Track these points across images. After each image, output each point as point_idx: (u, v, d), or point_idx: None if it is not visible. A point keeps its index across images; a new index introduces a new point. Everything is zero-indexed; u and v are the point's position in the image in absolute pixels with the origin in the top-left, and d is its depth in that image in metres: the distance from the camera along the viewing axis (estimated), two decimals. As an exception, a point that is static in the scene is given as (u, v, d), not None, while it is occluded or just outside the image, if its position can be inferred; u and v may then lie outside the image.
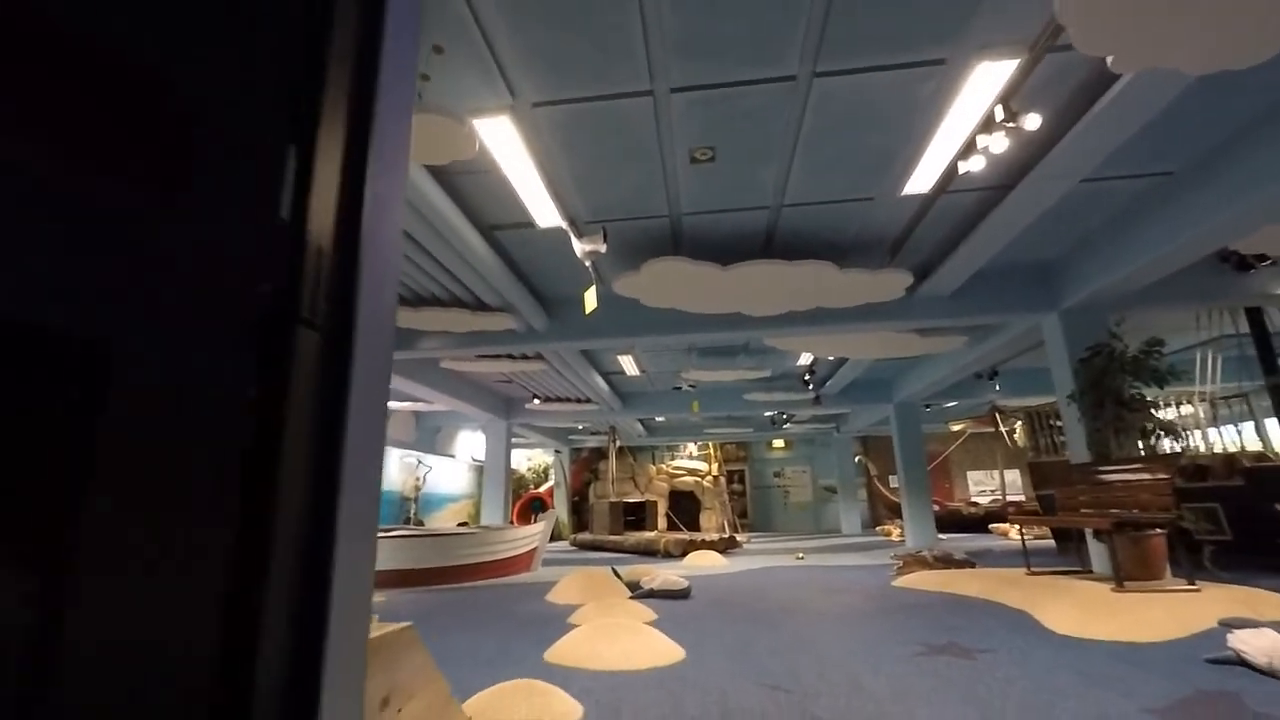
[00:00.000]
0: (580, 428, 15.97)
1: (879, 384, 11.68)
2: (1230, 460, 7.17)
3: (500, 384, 11.04)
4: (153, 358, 0.38)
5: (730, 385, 11.19)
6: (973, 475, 18.97)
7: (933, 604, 5.12)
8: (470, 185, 4.45)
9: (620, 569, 6.85)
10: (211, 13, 0.45)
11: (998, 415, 12.61)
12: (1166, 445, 5.62)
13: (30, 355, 0.35)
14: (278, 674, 0.45)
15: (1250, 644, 2.99)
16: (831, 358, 9.31)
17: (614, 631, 3.68)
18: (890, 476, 15.80)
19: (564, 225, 4.83)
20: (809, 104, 3.57)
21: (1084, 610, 4.11)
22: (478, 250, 4.95)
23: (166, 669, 0.39)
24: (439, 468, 14.40)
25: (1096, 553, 5.60)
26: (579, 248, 4.79)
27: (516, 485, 17.32)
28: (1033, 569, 5.80)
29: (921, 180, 4.36)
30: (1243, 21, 2.53)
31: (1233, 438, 8.96)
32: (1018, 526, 6.80)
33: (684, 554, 10.37)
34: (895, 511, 14.76)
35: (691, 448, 19.20)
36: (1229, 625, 3.36)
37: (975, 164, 3.78)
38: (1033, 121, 3.38)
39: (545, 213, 4.69)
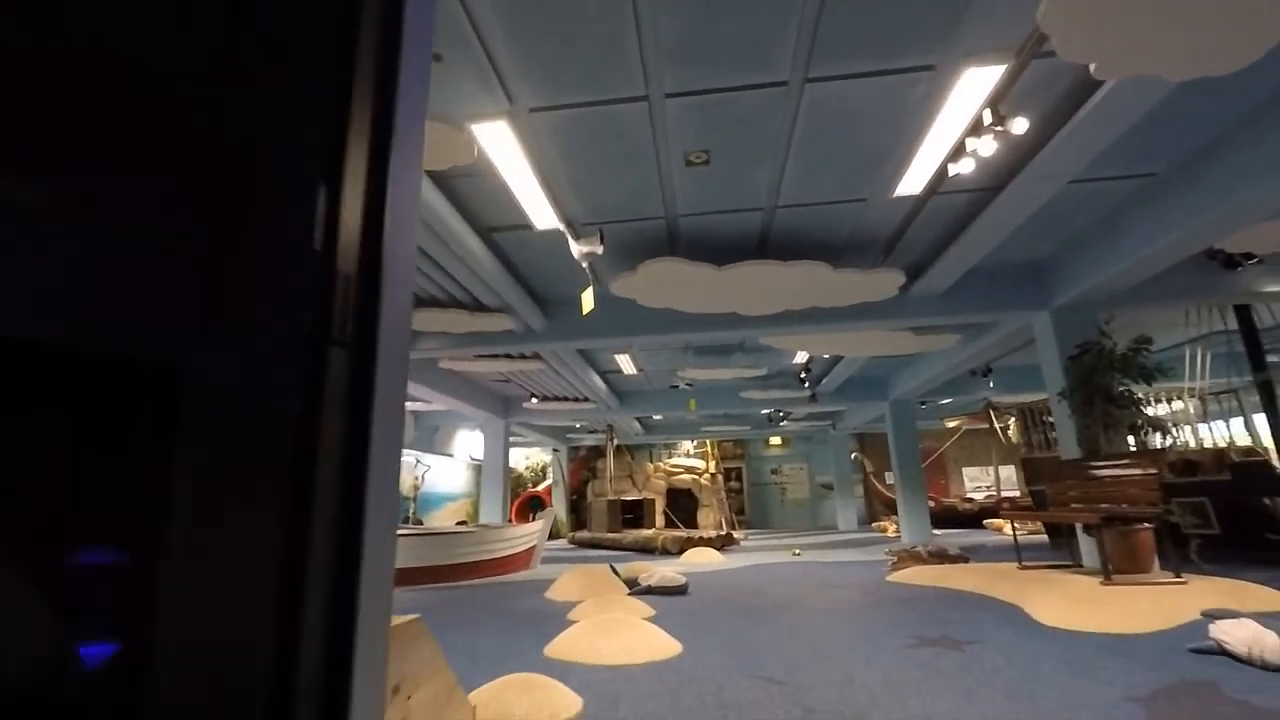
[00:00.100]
0: (578, 426, 16.03)
1: (874, 381, 11.78)
2: (1219, 455, 7.29)
3: (498, 383, 11.10)
4: (217, 378, 0.45)
5: (727, 383, 11.27)
6: (968, 471, 19.09)
7: (926, 598, 5.20)
8: (468, 188, 4.51)
9: (618, 566, 6.93)
10: (251, 64, 0.52)
11: (992, 412, 12.71)
12: (1156, 441, 5.71)
13: (118, 376, 0.42)
14: (318, 657, 0.51)
15: (1231, 634, 3.08)
16: (827, 356, 9.39)
17: (612, 627, 3.75)
18: (886, 473, 15.90)
19: (561, 227, 4.89)
20: (801, 108, 3.64)
21: (1072, 603, 4.20)
22: (476, 252, 5.01)
23: (231, 651, 0.46)
24: (437, 467, 14.45)
25: (1087, 547, 5.69)
26: (576, 249, 4.85)
27: (515, 484, 17.39)
28: (1024, 563, 5.91)
29: (913, 182, 4.43)
30: (1221, 30, 2.61)
31: (1223, 433, 9.08)
32: (1013, 522, 6.91)
33: (681, 551, 10.45)
34: (891, 508, 14.86)
35: (688, 445, 19.29)
36: (1211, 616, 3.45)
37: (965, 166, 3.85)
38: (1020, 125, 3.45)
39: (542, 215, 4.75)
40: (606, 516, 14.81)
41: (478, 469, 15.03)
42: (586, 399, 11.44)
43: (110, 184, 0.43)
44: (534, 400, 11.74)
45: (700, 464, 18.07)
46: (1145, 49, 2.69)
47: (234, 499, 0.46)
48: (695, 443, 18.97)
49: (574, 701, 2.68)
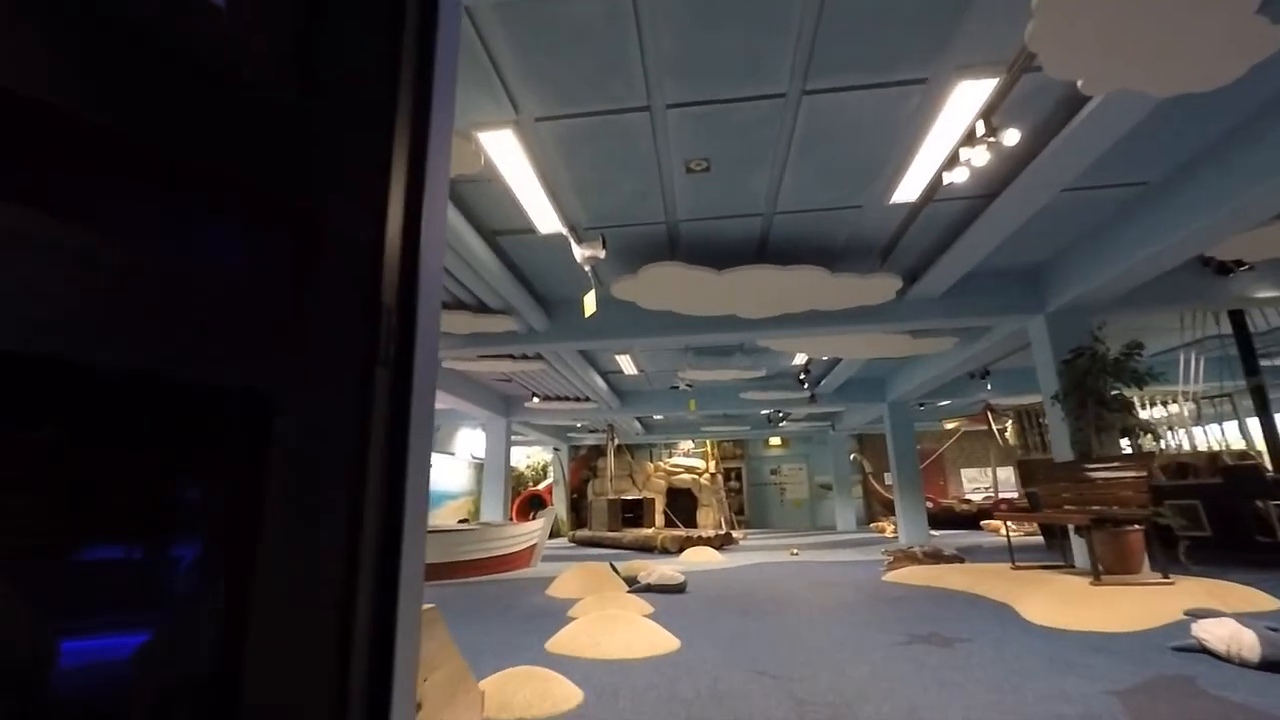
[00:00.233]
0: (579, 425, 16.14)
1: (873, 383, 11.87)
2: (1213, 459, 7.38)
3: (500, 383, 11.21)
4: (299, 395, 0.56)
5: (727, 384, 11.38)
6: (967, 473, 19.19)
7: (919, 597, 5.31)
8: (474, 194, 4.61)
9: (618, 564, 7.03)
10: (318, 143, 0.63)
11: (990, 414, 12.80)
12: (1149, 444, 5.81)
13: (222, 402, 0.53)
14: (368, 637, 0.62)
15: (1212, 632, 3.18)
16: (825, 358, 9.49)
17: (612, 623, 3.86)
18: (885, 474, 16.00)
19: (564, 231, 4.99)
20: (799, 119, 3.74)
21: (1061, 602, 4.30)
22: (480, 256, 5.12)
23: (307, 630, 0.56)
24: (439, 465, 14.57)
25: (1078, 548, 5.79)
26: (579, 253, 4.95)
27: (516, 482, 17.50)
28: (1017, 563, 6.01)
29: (908, 189, 4.53)
30: (1203, 49, 2.70)
31: (1217, 436, 9.17)
32: (1006, 523, 7.00)
33: (681, 550, 10.56)
34: (889, 508, 14.95)
35: (688, 445, 19.39)
36: (1194, 615, 3.55)
37: (959, 175, 3.94)
38: (1012, 137, 3.55)
39: (546, 220, 4.86)
40: (607, 515, 14.93)
41: (479, 467, 15.14)
42: (587, 399, 11.55)
43: (221, 248, 0.54)
44: (535, 399, 11.85)
45: (700, 464, 18.17)
46: (1129, 67, 2.78)
47: (311, 495, 0.56)
48: (695, 442, 19.07)
49: (574, 693, 2.79)
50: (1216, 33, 2.61)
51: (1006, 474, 17.10)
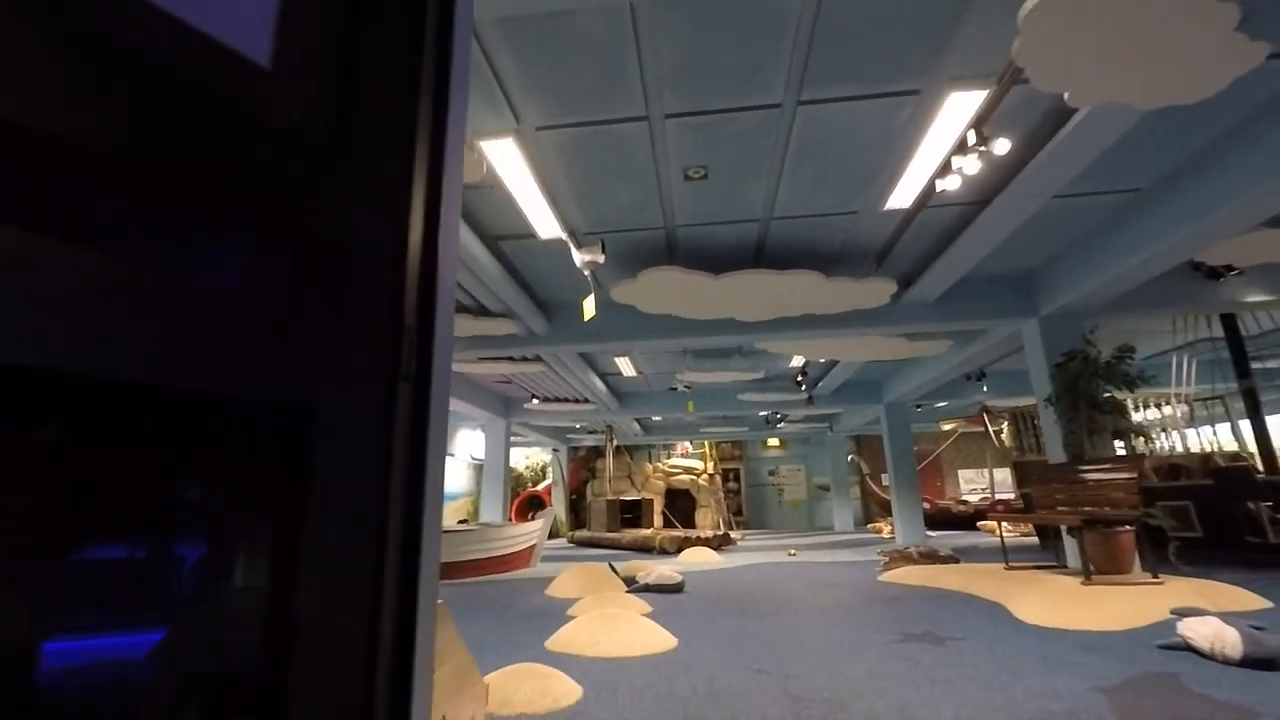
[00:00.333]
0: (578, 427, 16.21)
1: (870, 385, 11.95)
2: (1205, 460, 7.47)
3: (500, 384, 11.27)
4: (332, 409, 0.63)
5: (725, 386, 11.45)
6: (964, 474, 19.28)
7: (914, 597, 5.38)
8: (476, 200, 4.68)
9: (617, 565, 7.10)
10: (350, 182, 0.70)
11: (986, 415, 12.89)
12: (1142, 445, 5.90)
13: (265, 413, 0.60)
14: (392, 630, 0.69)
15: (1196, 631, 3.26)
16: (823, 360, 9.57)
17: (611, 622, 3.92)
18: (882, 475, 16.09)
19: (564, 237, 5.07)
20: (794, 128, 3.81)
21: (1053, 602, 4.38)
22: (482, 260, 5.19)
23: (340, 622, 0.64)
24: (439, 466, 14.58)
25: (1071, 548, 5.87)
26: (579, 258, 5.03)
27: (515, 483, 17.56)
28: (1011, 564, 6.08)
29: (902, 196, 4.61)
30: (1186, 63, 2.78)
31: (1210, 438, 9.26)
32: (1000, 523, 7.08)
33: (679, 550, 10.63)
34: (887, 509, 15.03)
35: (687, 446, 19.46)
36: (1180, 614, 3.62)
37: (951, 183, 4.02)
38: (1002, 146, 3.63)
39: (546, 225, 4.93)
40: (605, 516, 14.99)
41: (478, 468, 15.20)
42: (587, 400, 11.62)
43: (267, 278, 0.62)
44: (535, 401, 11.92)
45: (698, 465, 18.24)
46: (1115, 80, 2.86)
47: (345, 498, 0.64)
48: (694, 443, 19.14)
49: (574, 690, 2.86)
50: (1198, 48, 2.69)
51: (1003, 475, 17.19)
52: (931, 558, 7.18)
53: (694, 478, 17.41)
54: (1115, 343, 5.81)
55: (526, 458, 19.69)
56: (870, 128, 3.83)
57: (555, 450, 18.30)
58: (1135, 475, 4.96)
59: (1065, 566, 5.89)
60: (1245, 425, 8.17)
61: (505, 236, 5.30)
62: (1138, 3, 2.41)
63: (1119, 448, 5.92)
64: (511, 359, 8.69)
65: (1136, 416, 9.40)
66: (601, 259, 4.95)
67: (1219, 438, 9.20)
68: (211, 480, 0.61)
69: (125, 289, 0.49)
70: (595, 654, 3.59)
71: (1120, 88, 2.92)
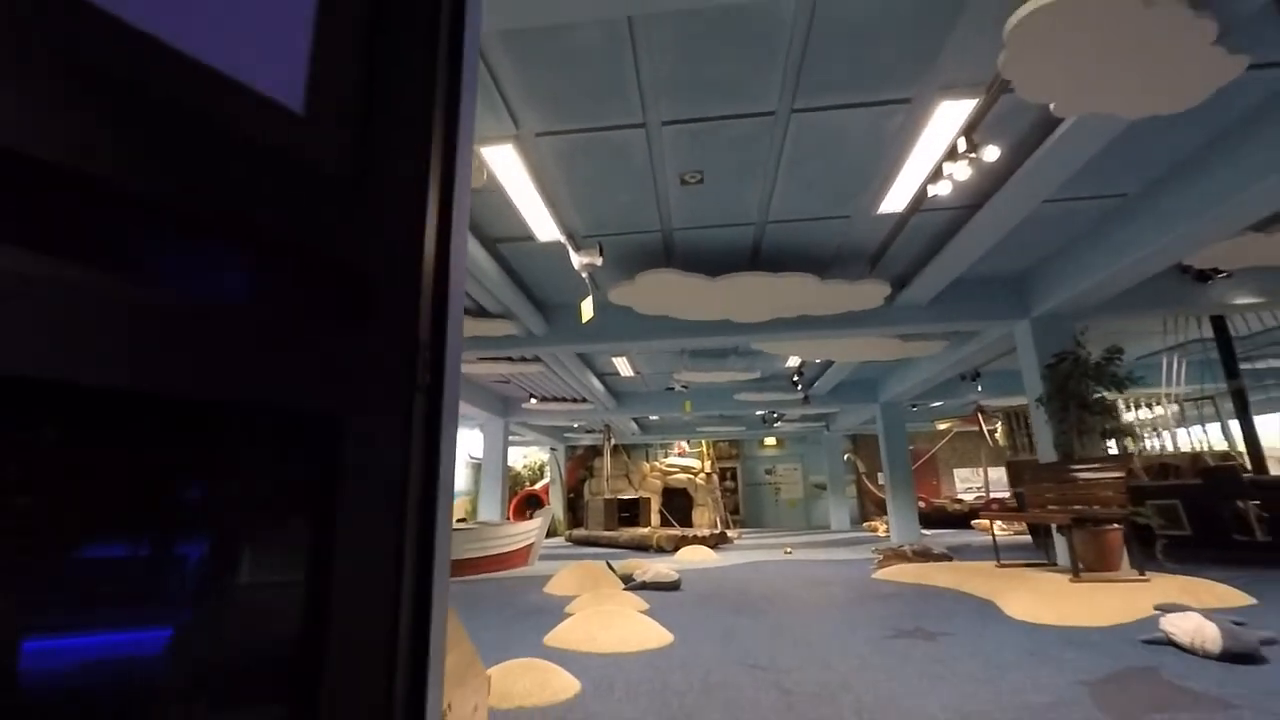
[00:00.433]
0: (576, 426, 16.27)
1: (865, 384, 12.05)
2: (1195, 460, 7.58)
3: (498, 384, 11.34)
4: (358, 421, 0.71)
5: (722, 386, 11.53)
6: (959, 472, 19.40)
7: (906, 594, 5.47)
8: (476, 203, 4.75)
9: (614, 563, 7.17)
10: (370, 212, 0.78)
11: (981, 415, 13.00)
12: (1131, 445, 5.99)
13: (296, 422, 0.68)
14: (411, 616, 0.77)
15: (1178, 626, 3.35)
16: (818, 360, 9.65)
17: (608, 619, 4.00)
18: (878, 474, 16.20)
19: (563, 239, 5.14)
20: (788, 135, 3.89)
21: (1042, 598, 4.47)
22: (481, 263, 5.26)
23: (367, 609, 0.71)
24: (437, 465, 14.64)
25: (1061, 546, 5.96)
26: (577, 260, 5.10)
27: (513, 482, 17.62)
28: (1002, 561, 6.18)
29: (895, 201, 4.69)
30: (1167, 76, 2.87)
31: (1201, 437, 9.37)
32: (992, 522, 7.18)
33: (676, 549, 10.71)
34: (883, 508, 15.14)
35: (684, 445, 19.54)
36: (1163, 610, 3.72)
37: (943, 188, 4.10)
38: (991, 153, 3.71)
39: (545, 228, 5.00)
40: (603, 515, 15.06)
41: (477, 467, 15.26)
42: (584, 400, 11.69)
43: (301, 305, 0.69)
44: (533, 400, 11.99)
45: (696, 464, 18.33)
46: (1098, 92, 2.94)
47: (370, 499, 0.72)
48: (691, 443, 19.22)
49: (572, 684, 2.94)
50: (1179, 61, 2.77)
51: (998, 474, 17.32)
52: (925, 556, 7.27)
53: (691, 477, 17.49)
54: (1107, 343, 5.91)
55: (524, 457, 19.76)
56: (863, 135, 3.91)
57: (553, 449, 18.36)
58: (1123, 475, 5.06)
59: (1055, 564, 5.99)
60: (1235, 425, 8.28)
61: (504, 239, 5.37)
62: (1119, 19, 2.49)
63: (1111, 447, 6.01)
64: (510, 359, 8.75)
65: (1129, 416, 9.52)
66: (599, 261, 5.02)
67: (1209, 437, 9.31)
68: (258, 482, 0.69)
69: (197, 318, 0.57)
70: (592, 650, 3.66)
71: (1104, 99, 3.01)
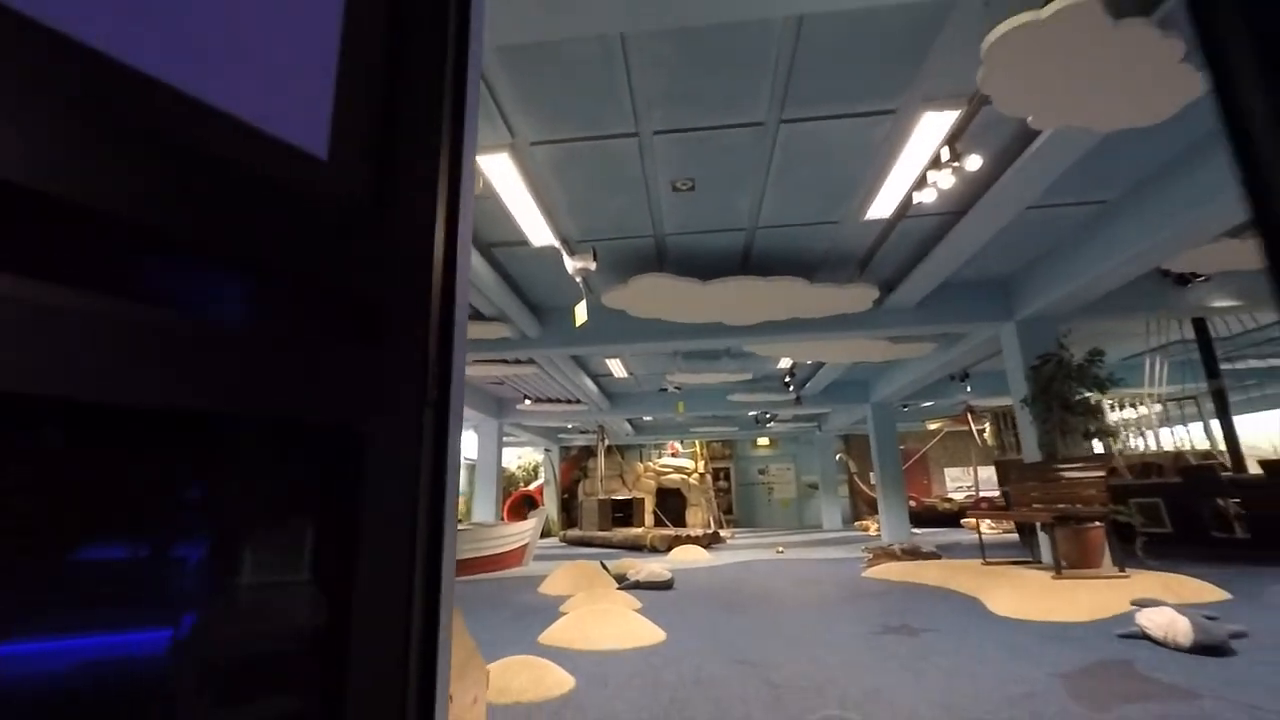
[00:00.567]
0: (570, 427, 16.35)
1: (856, 385, 12.18)
2: (1177, 458, 7.74)
3: (493, 385, 11.40)
4: (377, 435, 0.80)
5: (714, 387, 11.63)
6: (950, 472, 19.58)
7: (894, 592, 5.59)
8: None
9: (608, 563, 7.26)
10: (385, 247, 0.87)
11: (970, 415, 13.16)
12: (1117, 445, 6.13)
13: (320, 436, 0.77)
14: (422, 611, 0.86)
15: (1152, 620, 3.48)
16: (809, 362, 9.77)
17: (602, 617, 4.09)
18: (870, 474, 16.35)
19: (557, 244, 5.22)
20: (777, 144, 3.99)
21: (1024, 595, 4.59)
22: (476, 267, 5.33)
23: (383, 605, 0.80)
24: (431, 466, 14.66)
25: (1046, 544, 6.09)
26: (570, 265, 5.18)
27: (507, 483, 17.67)
28: (988, 559, 6.30)
29: (882, 207, 4.80)
30: (1138, 91, 2.98)
31: (1183, 437, 9.56)
32: (979, 521, 7.31)
33: (669, 549, 10.80)
34: (874, 507, 15.28)
35: (677, 445, 19.64)
36: (1139, 605, 3.84)
37: (928, 195, 4.22)
38: (974, 162, 3.83)
39: (540, 233, 5.08)
40: (597, 515, 15.13)
41: (471, 468, 15.29)
42: (578, 401, 11.77)
43: (325, 331, 0.78)
44: (527, 402, 12.05)
45: (689, 464, 18.43)
46: (1072, 106, 3.06)
47: (387, 505, 0.80)
48: (684, 443, 19.32)
49: (566, 680, 3.02)
50: (1149, 78, 2.89)
51: (988, 473, 17.50)
52: (914, 554, 7.40)
53: (685, 477, 17.60)
54: (1092, 344, 6.05)
55: (519, 458, 19.81)
56: (850, 144, 4.02)
57: (547, 450, 18.42)
58: (1104, 474, 5.19)
59: (1040, 562, 6.12)
60: (1216, 425, 8.45)
61: (499, 244, 5.45)
62: (1090, 38, 2.60)
63: (1096, 447, 6.14)
64: (505, 361, 8.82)
65: (1114, 416, 9.69)
66: (593, 266, 5.11)
67: (1192, 436, 9.50)
68: (287, 491, 0.78)
69: (242, 345, 0.66)
70: (586, 647, 3.75)
71: (1078, 112, 3.12)
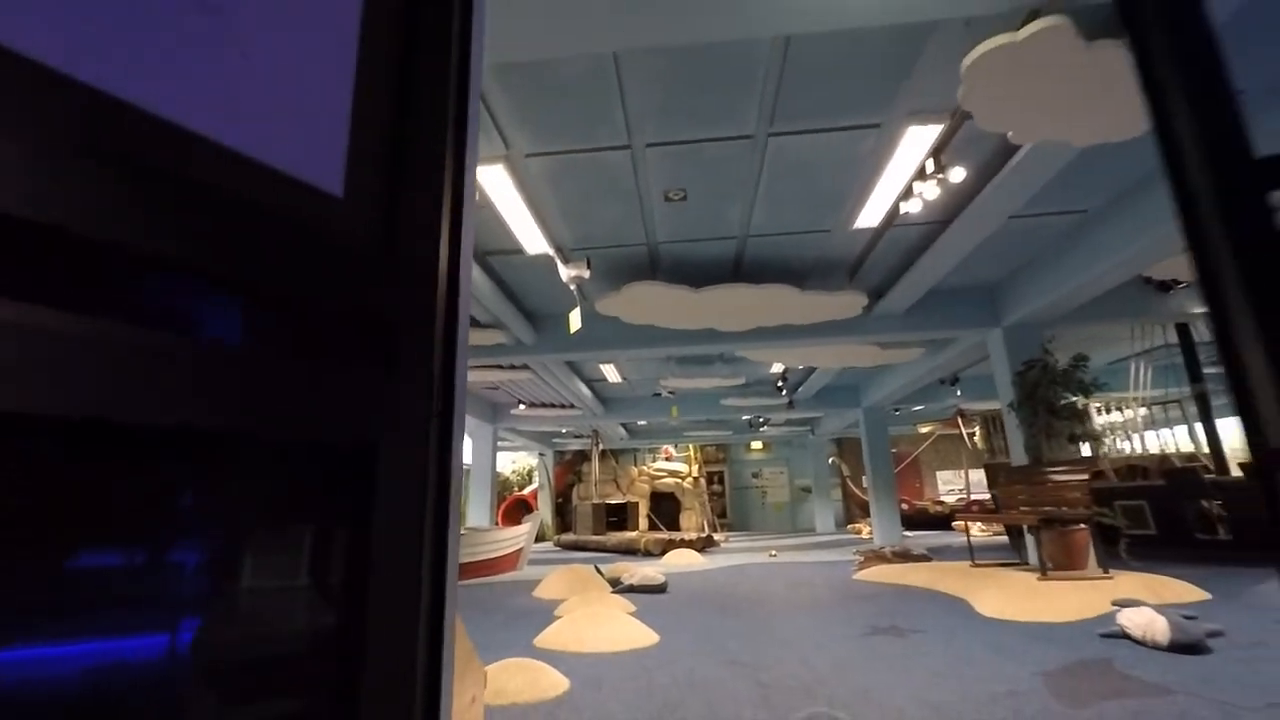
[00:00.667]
0: (564, 431, 16.38)
1: (848, 389, 12.30)
2: (1162, 461, 7.88)
3: (488, 390, 11.44)
4: (390, 448, 0.87)
5: (708, 391, 11.72)
6: (942, 475, 19.75)
7: (884, 594, 5.67)
8: (465, 218, 4.89)
9: (602, 567, 7.31)
10: (397, 280, 0.94)
11: (960, 419, 13.30)
12: (1103, 448, 6.25)
13: (335, 451, 0.84)
14: (431, 607, 0.93)
15: (1132, 620, 3.57)
16: (801, 366, 9.88)
17: (596, 620, 4.15)
18: (862, 477, 16.46)
19: (551, 253, 5.30)
20: (766, 156, 4.09)
21: (1010, 596, 4.68)
22: (472, 275, 5.39)
23: (395, 603, 0.87)
24: (425, 471, 14.66)
25: (1033, 546, 6.20)
26: (564, 273, 5.26)
27: (501, 488, 17.68)
28: (976, 561, 6.40)
29: (870, 216, 4.91)
30: (1112, 108, 3.09)
31: (1168, 440, 9.71)
32: (969, 523, 7.42)
33: (664, 553, 10.86)
34: (867, 511, 15.39)
35: (671, 449, 19.70)
36: (1120, 605, 3.94)
37: (914, 206, 4.32)
38: (957, 174, 3.94)
39: (534, 242, 5.16)
40: (591, 519, 15.17)
41: (466, 473, 15.30)
42: (573, 405, 11.83)
43: (342, 352, 0.86)
44: (522, 406, 12.10)
45: (683, 468, 18.49)
46: (1050, 122, 3.17)
47: (396, 512, 0.88)
48: (678, 446, 19.39)
49: (561, 681, 3.08)
50: (1122, 95, 3.00)
51: (979, 476, 17.65)
52: (904, 557, 7.49)
53: (679, 481, 17.65)
54: (1080, 349, 6.18)
55: (513, 462, 19.81)
56: (837, 156, 4.12)
57: (541, 454, 18.45)
58: (1087, 477, 5.30)
59: (1027, 564, 6.22)
60: (1200, 428, 8.60)
61: (494, 252, 5.52)
62: (1065, 59, 2.70)
63: (1084, 450, 6.26)
64: (500, 366, 8.88)
65: (1100, 419, 9.83)
66: (587, 274, 5.19)
67: (1176, 439, 9.65)
68: (312, 500, 0.85)
69: (272, 369, 0.73)
70: (581, 650, 3.81)
71: (1055, 128, 3.23)
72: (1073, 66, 2.73)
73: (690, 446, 19.00)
